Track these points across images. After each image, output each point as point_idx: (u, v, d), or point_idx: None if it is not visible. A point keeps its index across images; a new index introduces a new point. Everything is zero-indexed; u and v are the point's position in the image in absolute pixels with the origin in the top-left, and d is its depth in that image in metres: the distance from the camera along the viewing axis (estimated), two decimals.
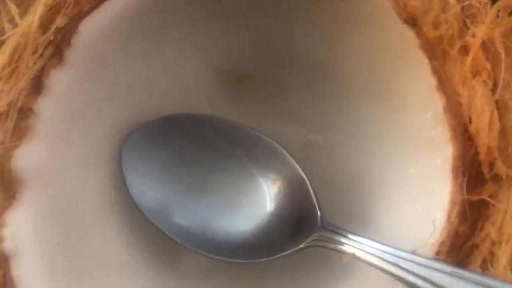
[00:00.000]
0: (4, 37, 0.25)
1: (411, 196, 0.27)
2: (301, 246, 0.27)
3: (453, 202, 0.24)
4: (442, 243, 0.24)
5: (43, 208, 0.26)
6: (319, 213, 0.27)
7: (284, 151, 0.29)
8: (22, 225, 0.25)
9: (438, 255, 0.24)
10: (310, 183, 0.28)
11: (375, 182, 0.29)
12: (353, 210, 0.29)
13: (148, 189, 0.29)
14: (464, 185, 0.24)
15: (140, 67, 0.30)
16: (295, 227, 0.28)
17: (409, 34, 0.26)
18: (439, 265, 0.23)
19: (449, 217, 0.24)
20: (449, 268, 0.23)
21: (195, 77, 0.32)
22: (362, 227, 0.27)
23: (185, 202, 0.29)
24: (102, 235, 0.29)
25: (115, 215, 0.30)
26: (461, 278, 0.22)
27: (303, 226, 0.27)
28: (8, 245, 0.24)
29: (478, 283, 0.22)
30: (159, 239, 0.30)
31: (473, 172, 0.24)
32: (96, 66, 0.28)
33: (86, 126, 0.28)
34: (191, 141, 0.30)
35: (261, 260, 0.28)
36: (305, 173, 0.29)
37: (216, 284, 0.30)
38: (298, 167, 0.28)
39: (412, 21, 0.26)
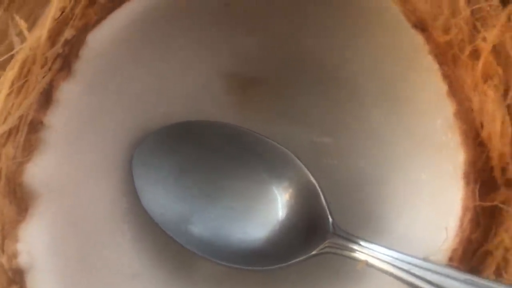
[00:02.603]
0: (13, 52, 0.25)
1: (423, 202, 0.27)
2: (313, 253, 0.27)
3: (465, 209, 0.24)
4: (454, 250, 0.24)
5: (55, 220, 0.26)
6: (331, 219, 0.27)
7: (295, 158, 0.29)
8: (36, 239, 0.25)
9: (451, 262, 0.24)
10: (321, 188, 0.28)
11: (386, 187, 0.29)
12: (364, 215, 0.29)
13: (159, 197, 0.30)
14: (477, 191, 0.24)
15: (148, 75, 0.30)
16: (307, 234, 0.28)
17: (418, 39, 0.26)
18: (452, 272, 0.23)
19: (461, 223, 0.24)
20: (462, 275, 0.23)
21: (203, 83, 0.32)
22: (373, 233, 0.27)
23: (196, 209, 0.30)
24: (115, 245, 0.29)
25: (127, 224, 0.30)
26: (475, 285, 0.22)
27: (315, 233, 0.27)
28: (22, 260, 0.24)
29: None
30: (171, 248, 0.30)
31: (485, 178, 0.24)
32: (105, 76, 0.28)
33: (96, 136, 0.28)
34: (201, 148, 0.30)
35: (273, 267, 0.28)
36: (315, 178, 0.29)
37: None
38: (309, 174, 0.28)
39: (421, 26, 0.26)
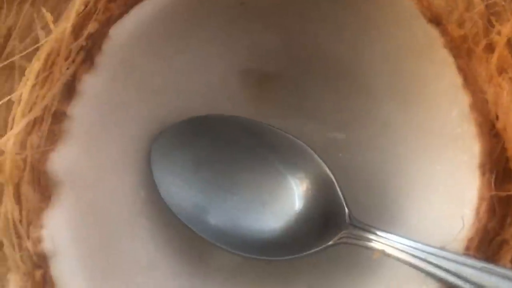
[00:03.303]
0: (39, 44, 0.26)
1: (438, 193, 0.27)
2: (330, 243, 0.27)
3: (481, 198, 0.24)
4: (471, 239, 0.24)
5: (77, 209, 0.27)
6: (347, 210, 0.28)
7: (310, 150, 0.29)
8: (59, 226, 0.26)
9: (468, 251, 0.24)
10: (337, 181, 0.29)
11: (401, 179, 0.29)
12: (379, 207, 0.30)
13: (177, 188, 0.30)
14: (492, 181, 0.24)
15: (166, 69, 0.31)
16: (323, 225, 0.28)
17: (433, 33, 0.27)
18: (469, 261, 0.23)
19: (477, 213, 0.24)
20: (479, 263, 0.23)
21: (219, 78, 0.33)
22: (389, 224, 0.28)
23: (213, 201, 0.30)
24: (133, 235, 0.29)
25: (145, 215, 0.30)
26: (492, 273, 0.23)
27: (331, 223, 0.28)
28: (47, 245, 0.25)
29: (509, 278, 0.22)
30: (187, 239, 0.30)
31: (500, 169, 0.25)
32: (125, 69, 0.29)
33: (117, 129, 0.29)
34: (219, 141, 0.31)
35: (290, 257, 0.28)
36: (331, 171, 0.29)
37: (244, 281, 0.30)
38: (324, 165, 0.29)
39: (436, 20, 0.27)
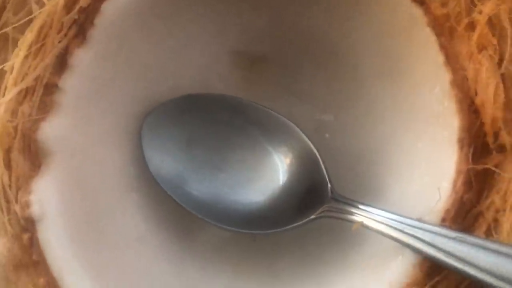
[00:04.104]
0: (32, 16, 0.27)
1: (420, 169, 0.27)
2: (312, 217, 0.28)
3: (458, 171, 0.25)
4: (447, 211, 0.24)
5: (66, 179, 0.27)
6: (329, 185, 0.28)
7: (295, 127, 0.30)
8: (48, 193, 0.26)
9: (444, 222, 0.24)
10: (321, 158, 0.29)
11: (384, 157, 0.30)
12: (363, 184, 0.30)
13: (166, 164, 0.31)
14: (470, 155, 0.25)
15: (157, 47, 0.31)
16: (306, 199, 0.29)
17: (417, 12, 0.27)
18: (443, 231, 0.24)
19: (454, 185, 0.25)
20: (453, 233, 0.23)
21: (210, 58, 0.33)
22: (372, 199, 0.28)
23: (201, 177, 0.31)
24: (122, 209, 0.30)
25: (134, 189, 0.31)
26: (465, 242, 0.23)
27: (314, 197, 0.28)
28: (34, 210, 0.25)
29: (481, 247, 0.23)
30: (176, 213, 0.31)
31: (479, 143, 0.25)
32: (117, 45, 0.29)
33: (107, 103, 0.30)
34: (207, 120, 0.32)
35: (273, 231, 0.29)
36: (317, 150, 0.30)
37: (229, 256, 0.31)
38: (309, 142, 0.29)
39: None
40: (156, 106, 0.32)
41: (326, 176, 0.28)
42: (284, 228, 0.28)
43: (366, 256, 0.28)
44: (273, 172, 0.30)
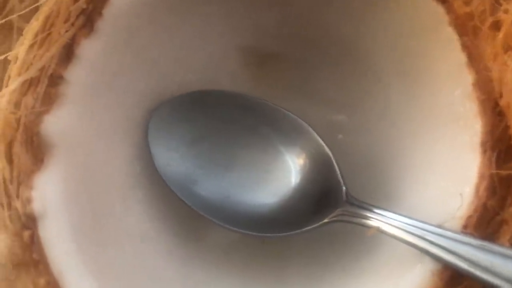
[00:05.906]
0: (38, 3, 0.25)
1: (439, 172, 0.26)
2: (326, 220, 0.27)
3: (481, 177, 0.24)
4: (469, 217, 0.23)
5: (70, 173, 0.26)
6: (344, 188, 0.27)
7: (309, 128, 0.29)
8: (50, 189, 0.25)
9: (465, 229, 0.23)
10: (335, 159, 0.28)
11: (401, 160, 0.29)
12: (380, 187, 0.29)
13: (173, 162, 0.30)
14: (493, 159, 0.24)
15: (166, 41, 0.30)
16: (319, 202, 0.28)
17: (439, 10, 0.26)
18: (465, 238, 0.23)
19: (477, 191, 0.24)
20: (475, 241, 0.22)
21: (220, 55, 0.32)
22: (388, 204, 0.27)
23: (209, 176, 0.30)
24: (126, 205, 0.29)
25: (138, 187, 0.30)
26: (488, 251, 0.22)
27: (328, 201, 0.27)
28: (36, 206, 0.24)
29: (504, 256, 0.22)
30: (182, 213, 0.30)
31: (503, 147, 0.24)
32: (125, 37, 0.28)
33: (113, 96, 0.29)
34: (217, 117, 0.31)
35: (284, 234, 0.28)
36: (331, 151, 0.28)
37: (236, 259, 0.30)
38: (322, 143, 0.28)
39: None
40: (164, 101, 0.30)
41: (341, 179, 0.27)
42: (295, 231, 0.27)
43: (381, 263, 0.26)
44: (285, 173, 0.29)
